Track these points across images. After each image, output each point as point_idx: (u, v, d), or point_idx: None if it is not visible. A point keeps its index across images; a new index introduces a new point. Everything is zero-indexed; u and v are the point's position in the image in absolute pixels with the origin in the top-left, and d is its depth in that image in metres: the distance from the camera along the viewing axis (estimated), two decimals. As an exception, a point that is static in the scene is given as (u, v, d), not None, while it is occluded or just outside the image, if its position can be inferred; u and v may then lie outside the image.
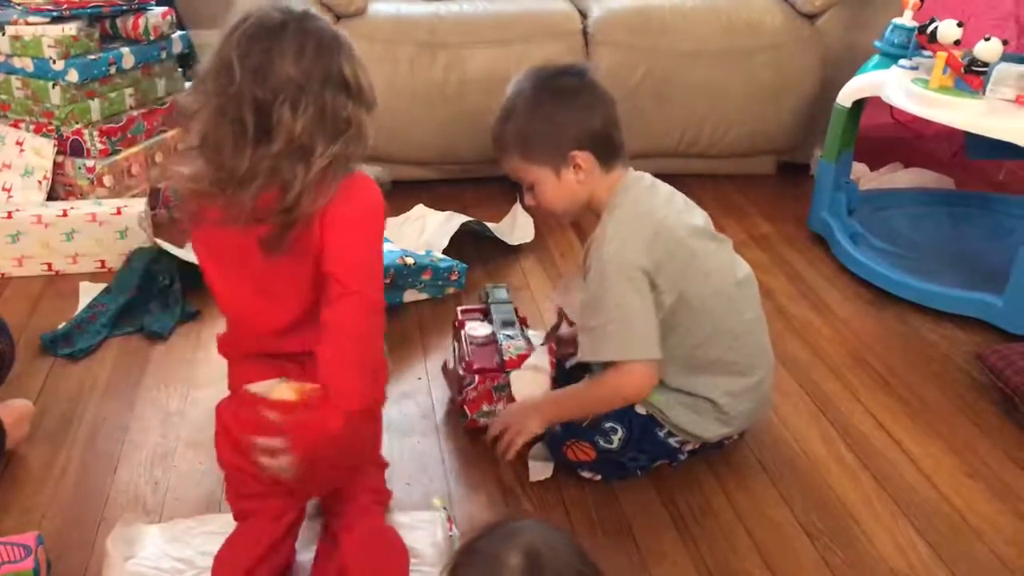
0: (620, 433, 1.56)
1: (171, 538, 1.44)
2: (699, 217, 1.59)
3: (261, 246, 1.20)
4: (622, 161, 1.54)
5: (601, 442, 1.56)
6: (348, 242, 1.22)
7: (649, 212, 1.49)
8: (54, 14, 2.35)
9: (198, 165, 1.19)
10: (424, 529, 1.46)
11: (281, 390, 1.29)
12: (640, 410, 1.57)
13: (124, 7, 2.49)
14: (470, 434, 1.71)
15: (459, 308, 1.87)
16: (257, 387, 1.30)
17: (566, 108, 1.48)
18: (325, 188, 1.18)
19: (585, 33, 2.69)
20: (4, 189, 2.36)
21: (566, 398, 1.60)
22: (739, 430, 1.65)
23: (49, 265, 2.24)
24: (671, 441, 1.58)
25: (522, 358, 1.69)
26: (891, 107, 2.31)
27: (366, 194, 1.25)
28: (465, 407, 1.70)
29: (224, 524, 1.44)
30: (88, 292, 2.14)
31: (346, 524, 1.36)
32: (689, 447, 1.60)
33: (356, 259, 1.23)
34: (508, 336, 1.74)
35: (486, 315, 1.84)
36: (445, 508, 1.50)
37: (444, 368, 1.86)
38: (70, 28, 2.34)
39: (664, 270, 1.46)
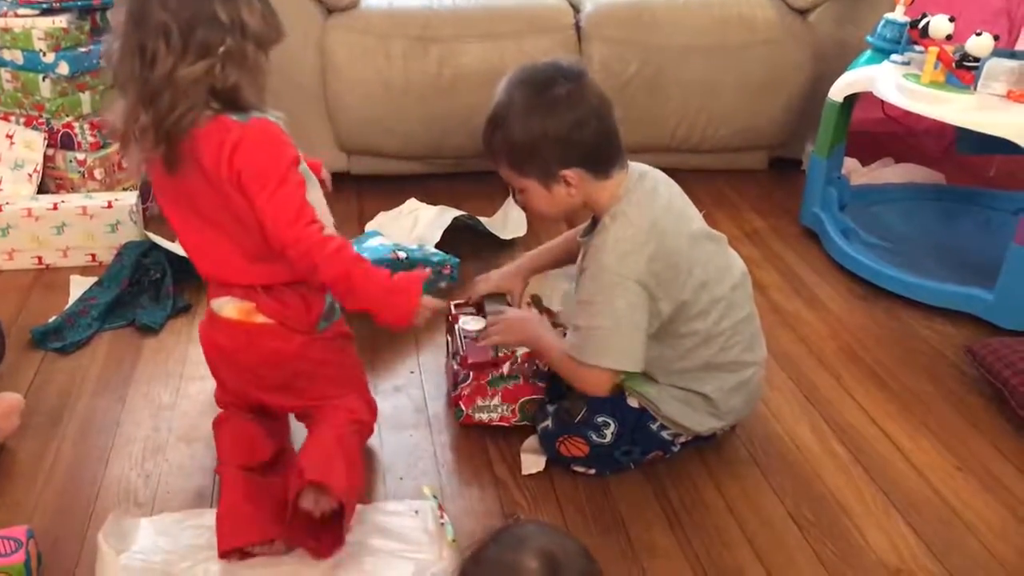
0: (613, 427, 1.56)
1: (162, 531, 1.44)
2: (696, 217, 1.57)
3: (162, 165, 1.34)
4: (620, 164, 1.50)
5: (594, 437, 1.57)
6: (265, 200, 1.33)
7: (652, 225, 1.46)
8: (44, 6, 2.33)
9: (118, 105, 1.35)
10: (415, 517, 1.48)
11: (228, 309, 1.47)
12: (632, 403, 1.57)
13: (115, -1, 2.48)
14: (463, 428, 1.71)
15: (452, 303, 1.86)
16: (214, 303, 1.49)
17: (556, 124, 1.42)
18: (195, 103, 1.30)
19: (578, 28, 2.69)
20: (-6, 182, 2.35)
21: (550, 350, 1.59)
22: (731, 423, 1.65)
23: (39, 259, 2.23)
24: (664, 434, 1.58)
25: (510, 355, 1.69)
26: (882, 102, 2.32)
27: (262, 139, 1.34)
28: (460, 403, 1.70)
29: (209, 514, 1.46)
30: (79, 285, 2.13)
31: (311, 430, 1.52)
32: (682, 439, 1.61)
33: (276, 214, 1.34)
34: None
35: (480, 309, 1.84)
36: (435, 496, 1.51)
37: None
38: (60, 20, 2.33)
39: (664, 283, 1.46)
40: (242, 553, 1.39)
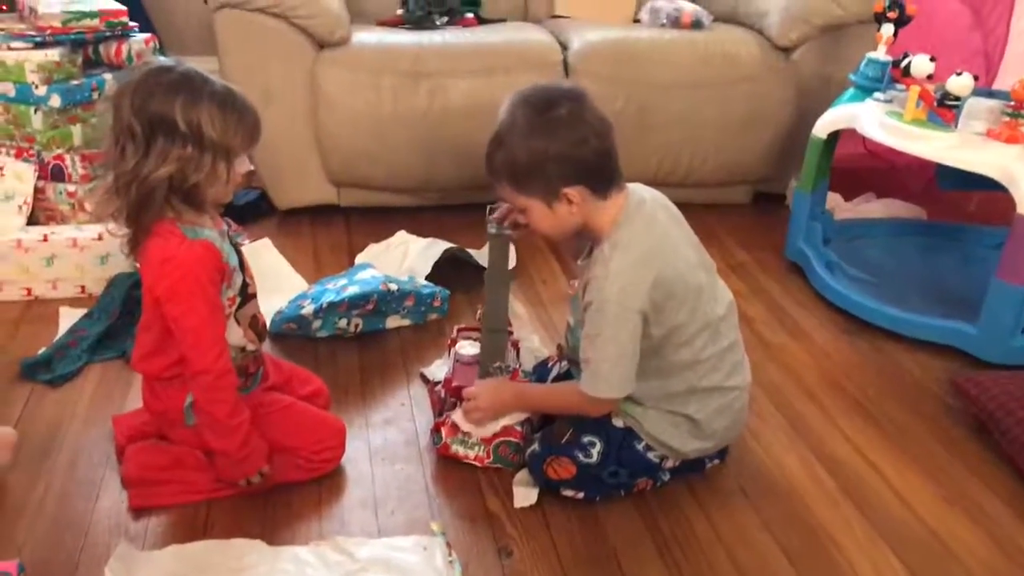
0: (599, 447, 1.58)
1: (169, 564, 1.44)
2: (692, 244, 1.61)
3: (127, 245, 1.52)
4: (618, 186, 1.54)
5: (580, 457, 1.58)
6: (168, 314, 1.49)
7: (650, 254, 1.50)
8: (37, 40, 2.34)
9: (103, 183, 1.48)
10: (423, 553, 1.48)
11: None
12: (617, 423, 1.60)
13: (107, 34, 2.49)
14: (454, 460, 1.71)
15: (456, 327, 1.88)
16: None
17: (558, 143, 1.46)
18: (156, 203, 1.44)
19: (565, 64, 2.72)
20: (-16, 214, 2.34)
21: (536, 398, 1.69)
22: (717, 446, 1.67)
23: (28, 290, 2.22)
24: (650, 456, 1.60)
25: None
26: (863, 139, 2.36)
27: (190, 266, 1.47)
28: (442, 430, 1.71)
29: (214, 547, 1.47)
30: (68, 317, 2.13)
31: None
32: (669, 463, 1.63)
33: (180, 334, 1.50)
34: (498, 368, 1.74)
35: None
36: (443, 533, 1.51)
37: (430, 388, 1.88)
38: (53, 54, 2.34)
39: (660, 309, 1.50)
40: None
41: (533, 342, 2.07)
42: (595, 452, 1.58)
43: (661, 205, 1.60)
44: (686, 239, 1.61)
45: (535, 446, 1.62)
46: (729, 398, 1.61)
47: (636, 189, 1.58)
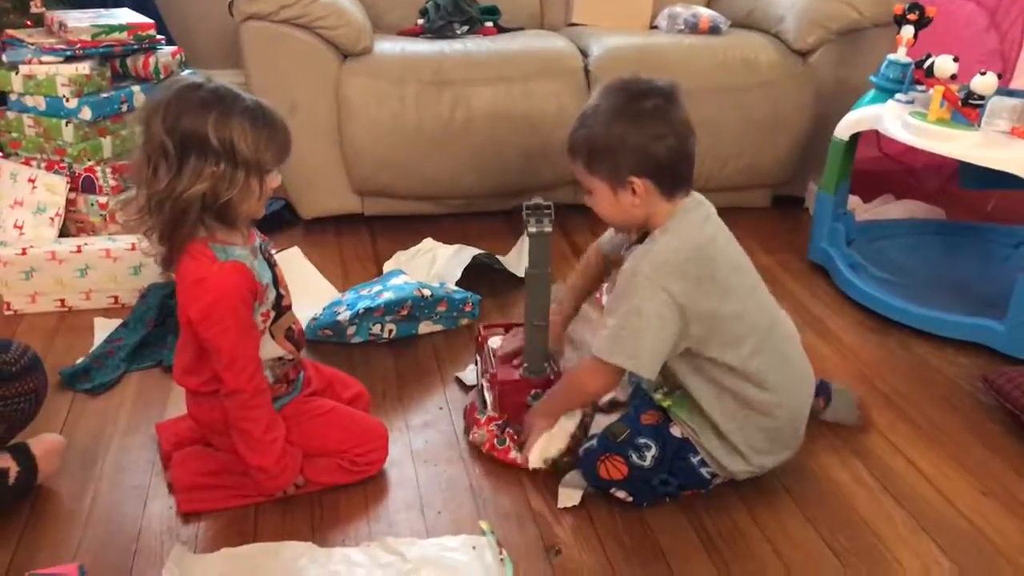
0: (654, 451, 1.60)
1: (221, 564, 1.46)
2: (740, 255, 1.63)
3: (161, 262, 1.52)
4: (684, 191, 1.56)
5: (634, 457, 1.59)
6: (211, 340, 1.49)
7: (697, 248, 1.52)
8: (67, 53, 2.37)
9: (135, 201, 1.48)
10: (473, 553, 1.49)
11: None
12: (676, 432, 1.61)
13: (135, 47, 2.52)
14: (499, 463, 1.73)
15: (481, 325, 1.91)
16: None
17: (636, 133, 1.49)
18: (190, 220, 1.44)
19: (586, 71, 2.75)
20: (16, 226, 2.36)
21: (551, 393, 1.71)
22: (767, 469, 1.67)
23: (62, 301, 2.24)
24: (703, 471, 1.61)
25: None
26: (879, 141, 2.37)
27: (221, 286, 1.47)
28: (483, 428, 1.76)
29: (267, 549, 1.49)
30: (103, 327, 2.15)
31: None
32: (719, 480, 1.64)
33: (220, 355, 1.51)
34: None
35: (507, 329, 1.87)
36: (493, 532, 1.52)
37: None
38: (83, 67, 2.37)
39: (697, 304, 1.50)
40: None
41: None
42: (649, 456, 1.59)
43: (715, 214, 1.62)
44: (735, 249, 1.63)
45: (592, 442, 1.64)
46: (779, 423, 1.61)
47: (698, 195, 1.61)
